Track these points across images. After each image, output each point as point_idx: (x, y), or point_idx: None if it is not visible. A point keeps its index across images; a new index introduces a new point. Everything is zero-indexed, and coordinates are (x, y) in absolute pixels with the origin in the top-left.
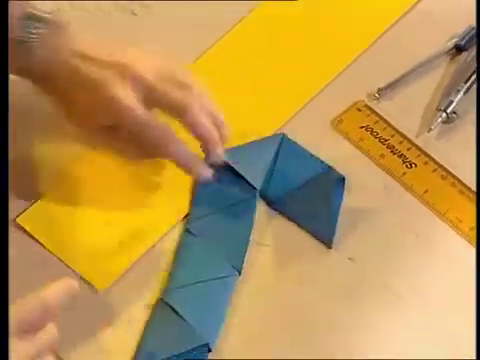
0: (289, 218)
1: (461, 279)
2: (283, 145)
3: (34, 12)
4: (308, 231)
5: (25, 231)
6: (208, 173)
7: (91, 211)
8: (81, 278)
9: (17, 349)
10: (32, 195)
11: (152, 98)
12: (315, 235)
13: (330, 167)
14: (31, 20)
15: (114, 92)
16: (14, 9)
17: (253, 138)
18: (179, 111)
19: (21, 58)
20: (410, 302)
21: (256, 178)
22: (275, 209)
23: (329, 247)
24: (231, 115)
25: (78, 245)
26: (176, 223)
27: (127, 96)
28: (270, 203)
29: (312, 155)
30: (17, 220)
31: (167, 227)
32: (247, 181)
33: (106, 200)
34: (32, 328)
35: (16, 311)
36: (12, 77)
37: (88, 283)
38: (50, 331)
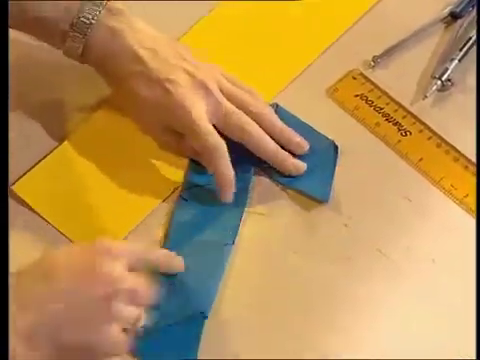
0: (282, 186)
1: (455, 246)
2: (277, 115)
3: None
4: (301, 191)
5: (19, 198)
6: (228, 198)
7: (87, 180)
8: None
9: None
10: (27, 163)
11: (217, 115)
12: (309, 193)
13: (323, 135)
14: (88, 2)
15: (184, 97)
16: None
17: None
18: (241, 136)
19: (79, 41)
20: (404, 268)
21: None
22: (269, 176)
23: (325, 201)
24: None
25: (74, 214)
26: (171, 192)
27: (196, 105)
28: (263, 172)
29: (306, 124)
30: (13, 188)
31: (163, 196)
32: (243, 155)
33: (102, 169)
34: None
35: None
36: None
37: None
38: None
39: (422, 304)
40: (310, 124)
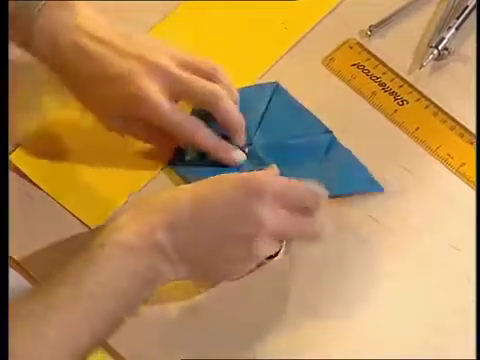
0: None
1: (451, 214)
2: (276, 95)
3: None
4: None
5: (15, 168)
6: (240, 156)
7: (85, 150)
8: (74, 216)
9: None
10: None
11: (178, 90)
12: None
13: (320, 123)
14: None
15: (141, 87)
16: None
17: (246, 78)
18: (211, 102)
19: (23, 30)
20: (401, 237)
21: (246, 133)
22: (259, 159)
23: None
24: (222, 55)
25: (71, 183)
26: (167, 163)
27: (154, 92)
28: (254, 154)
29: (303, 107)
30: (10, 158)
31: (158, 167)
32: None
33: (100, 138)
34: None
35: (290, 184)
36: None
37: (81, 221)
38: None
39: (419, 272)
40: (308, 106)
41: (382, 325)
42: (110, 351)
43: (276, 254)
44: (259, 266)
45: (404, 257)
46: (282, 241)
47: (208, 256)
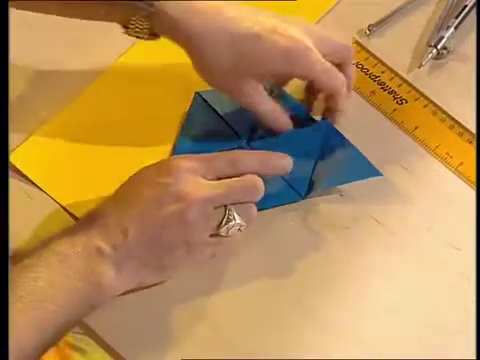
0: None
1: (450, 214)
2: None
3: None
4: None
5: (15, 168)
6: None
7: (85, 150)
8: (73, 217)
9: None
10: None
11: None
12: (290, 184)
13: (316, 123)
14: None
15: (297, 38)
16: None
17: None
18: (333, 95)
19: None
20: (400, 237)
21: (243, 130)
22: None
23: (299, 199)
24: None
25: (71, 183)
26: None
27: (310, 44)
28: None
29: (299, 104)
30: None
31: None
32: (235, 132)
33: (100, 139)
34: (219, 175)
35: (205, 157)
36: None
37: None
38: (248, 179)
39: (419, 271)
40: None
41: (382, 325)
42: (110, 351)
43: (226, 220)
44: (214, 236)
45: (404, 257)
46: (225, 208)
47: (149, 246)
